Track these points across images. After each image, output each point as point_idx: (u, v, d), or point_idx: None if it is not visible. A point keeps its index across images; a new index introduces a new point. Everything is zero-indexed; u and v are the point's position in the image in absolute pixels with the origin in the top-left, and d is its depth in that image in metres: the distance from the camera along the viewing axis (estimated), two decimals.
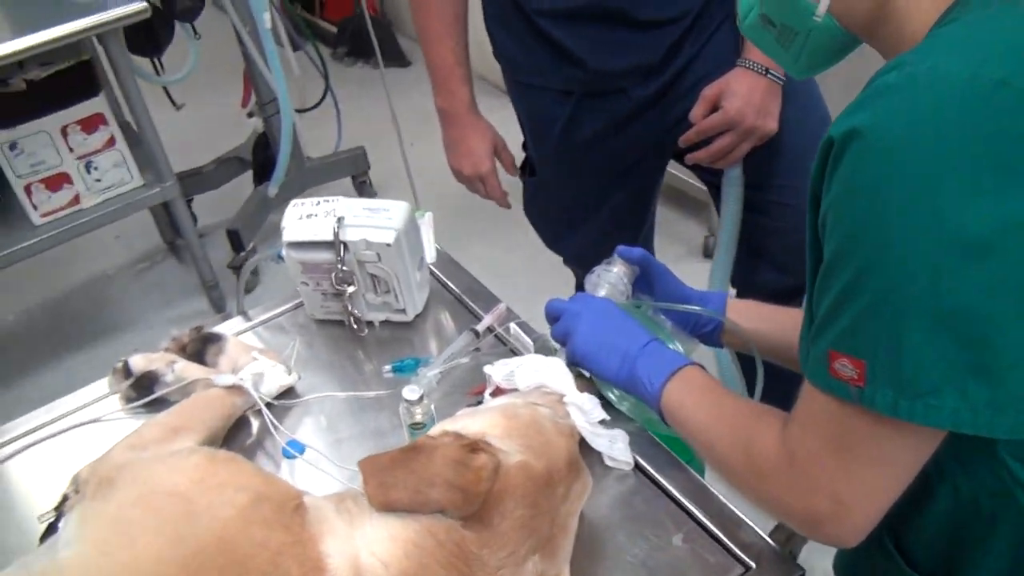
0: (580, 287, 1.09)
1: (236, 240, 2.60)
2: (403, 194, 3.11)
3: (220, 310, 2.57)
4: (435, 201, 2.79)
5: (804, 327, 0.71)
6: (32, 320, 2.69)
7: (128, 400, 1.07)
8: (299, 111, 2.80)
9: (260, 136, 2.76)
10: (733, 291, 1.66)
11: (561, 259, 1.91)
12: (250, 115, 2.73)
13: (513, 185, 1.65)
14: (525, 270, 2.57)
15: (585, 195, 1.65)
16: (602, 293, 1.02)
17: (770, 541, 0.87)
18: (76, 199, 2.25)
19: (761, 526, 0.89)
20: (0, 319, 2.69)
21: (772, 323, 1.00)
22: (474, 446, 0.78)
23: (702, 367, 0.90)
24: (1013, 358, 0.57)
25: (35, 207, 2.21)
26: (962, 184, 0.55)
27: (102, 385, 1.11)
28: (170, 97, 2.62)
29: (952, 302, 0.57)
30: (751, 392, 1.07)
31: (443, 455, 0.77)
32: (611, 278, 1.03)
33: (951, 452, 0.67)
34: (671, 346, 0.99)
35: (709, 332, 1.04)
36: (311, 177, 2.86)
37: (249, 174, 2.89)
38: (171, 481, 0.79)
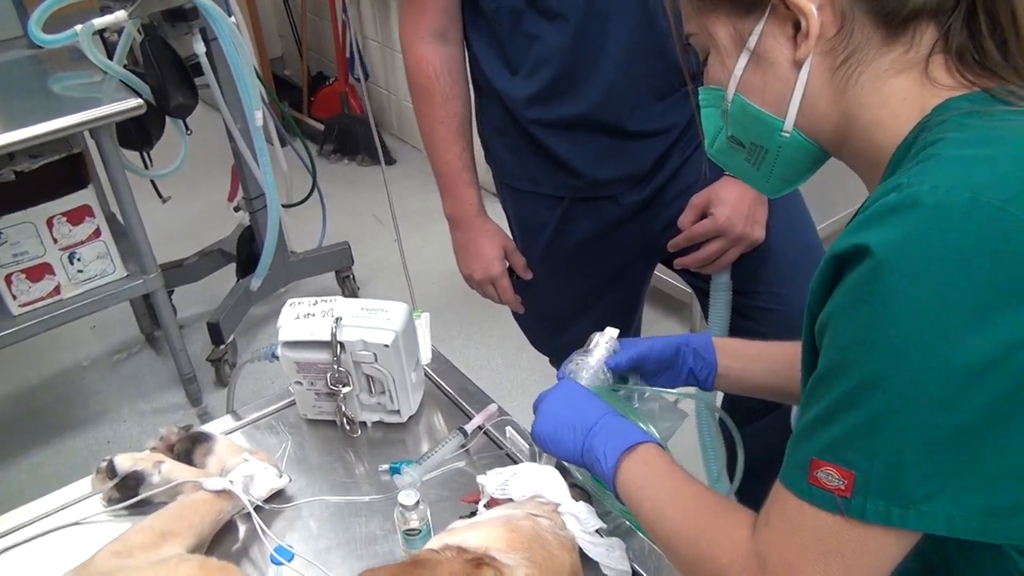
0: None
1: (216, 333, 2.57)
2: (387, 289, 3.13)
3: (197, 403, 2.52)
4: (418, 299, 2.82)
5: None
6: (1, 411, 2.62)
7: (111, 501, 1.04)
8: (285, 206, 2.82)
9: (245, 230, 2.77)
10: (720, 395, 1.66)
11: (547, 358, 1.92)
12: (236, 209, 2.75)
13: None
14: (508, 367, 2.56)
15: (574, 298, 1.66)
16: (583, 382, 1.02)
17: None
18: (57, 289, 2.23)
19: None
20: None
21: (760, 360, 1.05)
22: (479, 560, 0.76)
23: (663, 448, 0.87)
24: (1006, 467, 0.59)
25: (14, 297, 2.18)
26: (968, 308, 0.57)
27: (83, 485, 1.07)
28: (157, 190, 2.63)
29: (955, 420, 0.58)
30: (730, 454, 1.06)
31: (448, 570, 0.75)
32: (589, 364, 1.03)
33: (958, 549, 0.67)
34: (642, 426, 0.96)
35: (704, 378, 1.06)
36: (295, 271, 2.87)
37: (231, 267, 2.89)
38: None
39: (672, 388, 1.09)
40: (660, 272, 2.19)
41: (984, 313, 0.56)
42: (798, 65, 0.71)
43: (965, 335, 0.57)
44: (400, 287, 2.71)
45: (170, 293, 2.64)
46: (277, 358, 1.12)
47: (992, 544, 0.66)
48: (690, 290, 2.53)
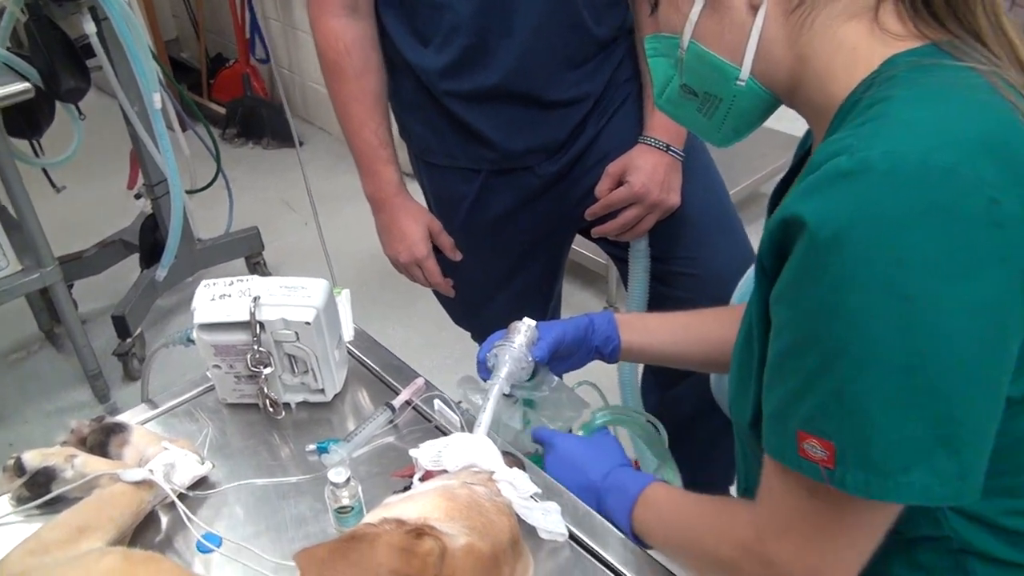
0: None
1: (122, 326, 2.47)
2: (300, 273, 3.00)
3: (104, 400, 2.42)
4: (335, 281, 2.76)
5: (765, 399, 0.71)
6: None
7: (20, 501, 0.98)
8: (189, 192, 2.72)
9: (148, 218, 2.66)
10: (641, 365, 1.69)
11: (468, 334, 1.91)
12: (138, 196, 2.64)
13: None
14: (429, 346, 2.55)
15: (494, 272, 1.66)
16: (504, 370, 1.03)
17: None
18: None
19: None
20: None
21: (660, 332, 1.10)
22: (418, 531, 0.75)
23: (661, 480, 0.92)
24: (975, 429, 0.60)
25: None
26: (924, 273, 0.57)
27: None
28: (50, 180, 2.50)
29: (919, 384, 0.59)
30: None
31: (386, 543, 0.73)
32: (513, 352, 1.04)
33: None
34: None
35: (609, 353, 1.10)
36: (202, 259, 2.77)
37: (133, 258, 2.77)
38: None
39: (580, 367, 1.13)
40: (577, 245, 2.20)
41: (939, 277, 0.57)
42: (754, 8, 0.71)
43: (922, 300, 0.57)
44: (312, 271, 2.64)
45: (69, 287, 2.51)
46: (193, 342, 1.08)
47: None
48: (606, 262, 2.60)
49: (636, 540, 0.91)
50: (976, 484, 0.61)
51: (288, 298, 1.05)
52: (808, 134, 0.86)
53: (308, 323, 1.03)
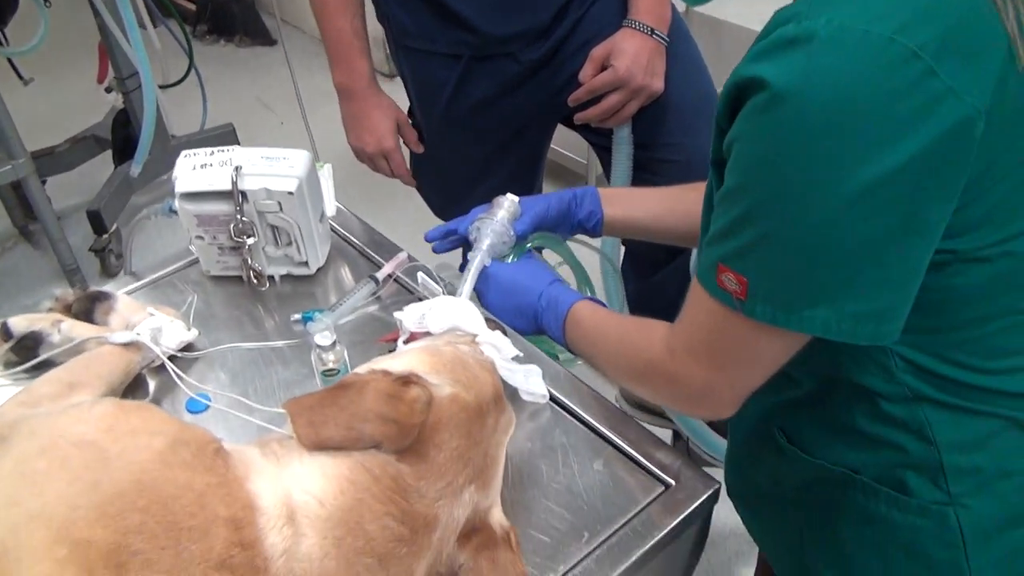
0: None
1: (97, 221, 2.44)
2: None
3: None
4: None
5: (701, 235, 0.77)
6: None
7: (8, 365, 0.99)
8: (161, 87, 2.66)
9: (120, 113, 2.60)
10: (622, 249, 1.71)
11: None
12: (108, 90, 2.57)
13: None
14: (413, 244, 2.54)
15: (475, 161, 1.65)
16: (486, 243, 1.04)
17: (689, 459, 0.91)
18: None
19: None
20: None
21: (642, 206, 1.12)
22: (406, 379, 0.77)
23: (590, 299, 0.97)
24: (877, 279, 0.64)
25: None
26: (854, 139, 0.60)
27: None
28: (17, 71, 2.43)
29: (832, 239, 0.63)
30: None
31: (375, 389, 0.75)
32: (495, 226, 1.05)
33: (848, 354, 0.74)
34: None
35: (592, 227, 1.12)
36: (176, 155, 2.71)
37: (106, 155, 2.72)
38: (76, 431, 0.73)
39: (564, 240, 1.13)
40: (556, 145, 2.20)
41: (869, 144, 0.60)
42: None
43: (849, 165, 0.61)
44: None
45: (42, 184, 2.47)
46: (175, 212, 1.08)
47: (879, 349, 0.73)
48: (586, 160, 2.59)
49: (573, 351, 0.97)
50: (883, 329, 0.66)
51: (270, 168, 1.04)
52: None
53: (291, 193, 1.03)
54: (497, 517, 0.83)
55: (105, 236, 2.47)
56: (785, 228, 0.64)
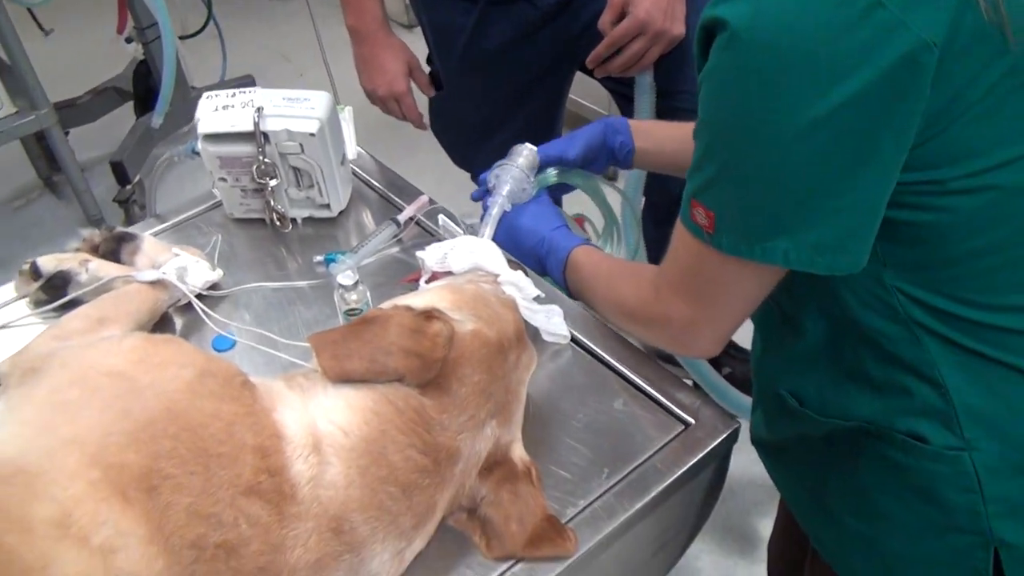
0: None
1: (121, 172, 2.46)
2: None
3: None
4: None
5: None
6: None
7: (38, 304, 1.01)
8: (181, 38, 2.65)
9: (140, 64, 2.61)
10: (643, 199, 1.70)
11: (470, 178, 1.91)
12: (128, 40, 2.57)
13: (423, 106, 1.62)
14: (436, 190, 2.54)
15: (493, 108, 1.64)
16: (506, 189, 1.05)
17: (709, 399, 0.92)
18: None
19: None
20: None
21: (672, 139, 1.12)
22: (428, 314, 0.78)
23: (587, 244, 1.00)
24: (832, 209, 0.66)
25: None
26: (804, 71, 0.62)
27: (8, 290, 1.04)
28: (37, 21, 2.43)
29: (787, 170, 0.65)
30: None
31: (398, 323, 0.76)
32: (514, 172, 1.06)
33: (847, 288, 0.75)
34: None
35: (623, 158, 1.13)
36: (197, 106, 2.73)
37: (128, 106, 2.73)
38: (108, 363, 0.75)
39: (601, 171, 1.14)
40: (575, 94, 2.18)
41: (818, 77, 0.61)
42: None
43: (800, 97, 0.62)
44: None
45: (65, 135, 2.48)
46: (198, 154, 1.08)
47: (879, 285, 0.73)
48: (607, 111, 2.56)
49: (573, 296, 1.01)
50: (840, 259, 0.68)
51: (291, 109, 1.04)
52: None
53: (312, 134, 1.04)
54: (518, 452, 0.84)
55: (129, 187, 2.48)
56: (743, 161, 0.67)
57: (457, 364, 0.78)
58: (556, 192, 1.15)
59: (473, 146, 1.75)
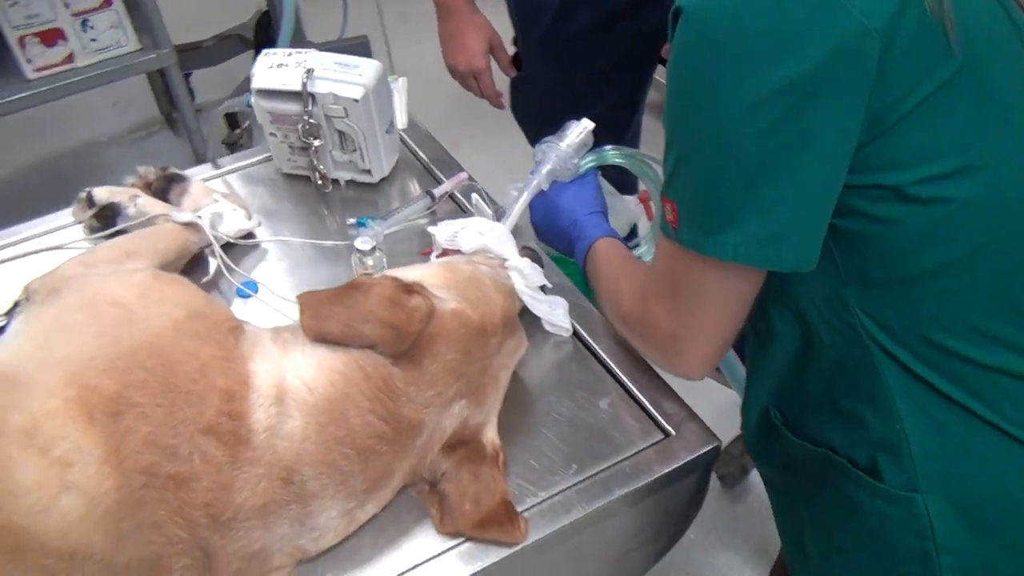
0: None
1: (231, 118, 2.57)
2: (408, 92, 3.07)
3: None
4: (422, 103, 2.76)
5: None
6: (22, 178, 2.69)
7: (92, 230, 1.09)
8: None
9: (263, 15, 2.72)
10: None
11: None
12: None
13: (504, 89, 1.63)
14: (490, 172, 2.55)
15: (573, 92, 1.63)
16: (546, 168, 1.05)
17: (695, 414, 0.90)
18: (71, 57, 2.23)
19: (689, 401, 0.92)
20: None
21: None
22: (410, 288, 0.80)
23: (614, 238, 0.99)
24: (774, 199, 0.66)
25: (29, 61, 2.19)
26: (743, 53, 0.63)
27: (66, 215, 1.13)
28: None
29: (730, 156, 0.66)
30: None
31: (379, 293, 0.79)
32: (560, 152, 1.06)
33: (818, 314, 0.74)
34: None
35: None
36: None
37: (250, 54, 2.85)
38: (116, 293, 0.81)
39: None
40: (660, 76, 2.12)
41: (757, 59, 0.62)
42: None
43: (739, 80, 0.63)
44: (418, 88, 2.67)
45: (188, 76, 2.63)
46: (251, 107, 1.13)
47: (843, 307, 0.72)
48: None
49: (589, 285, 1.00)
50: (783, 254, 0.68)
51: (341, 74, 1.08)
52: None
53: (356, 100, 1.07)
54: (490, 436, 0.85)
55: (238, 131, 2.59)
56: (692, 148, 0.68)
57: (433, 340, 0.79)
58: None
59: (548, 127, 1.75)
